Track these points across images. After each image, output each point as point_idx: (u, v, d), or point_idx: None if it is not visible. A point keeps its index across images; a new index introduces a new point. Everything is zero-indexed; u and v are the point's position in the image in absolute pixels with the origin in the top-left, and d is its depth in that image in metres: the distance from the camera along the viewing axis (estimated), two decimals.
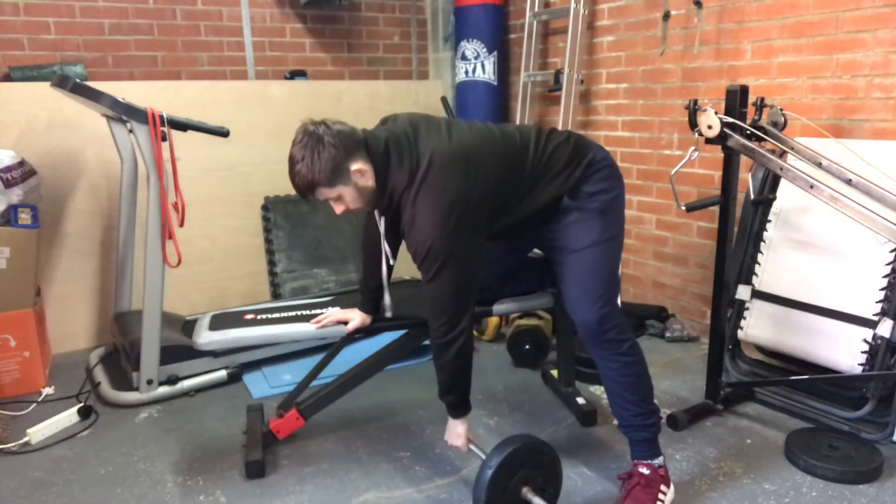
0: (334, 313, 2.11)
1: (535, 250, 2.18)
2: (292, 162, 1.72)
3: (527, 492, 1.72)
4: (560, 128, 2.88)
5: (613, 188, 1.87)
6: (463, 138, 1.77)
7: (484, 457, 1.76)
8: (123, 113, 2.38)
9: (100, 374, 2.71)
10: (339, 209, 1.79)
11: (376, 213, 1.92)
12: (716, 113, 2.08)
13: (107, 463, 2.17)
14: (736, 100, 2.13)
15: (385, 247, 1.98)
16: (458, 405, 1.88)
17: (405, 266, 2.12)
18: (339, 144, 1.68)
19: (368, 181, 1.74)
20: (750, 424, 2.33)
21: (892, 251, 2.16)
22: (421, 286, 1.79)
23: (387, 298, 2.08)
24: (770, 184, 2.52)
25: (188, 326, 2.81)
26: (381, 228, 1.93)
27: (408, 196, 1.71)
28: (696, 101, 2.12)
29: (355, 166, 1.70)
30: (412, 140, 1.74)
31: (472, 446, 1.93)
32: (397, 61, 4.27)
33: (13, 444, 2.25)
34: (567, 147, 1.87)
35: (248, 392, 2.66)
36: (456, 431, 1.91)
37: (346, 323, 2.08)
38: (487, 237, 1.84)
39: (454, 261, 1.70)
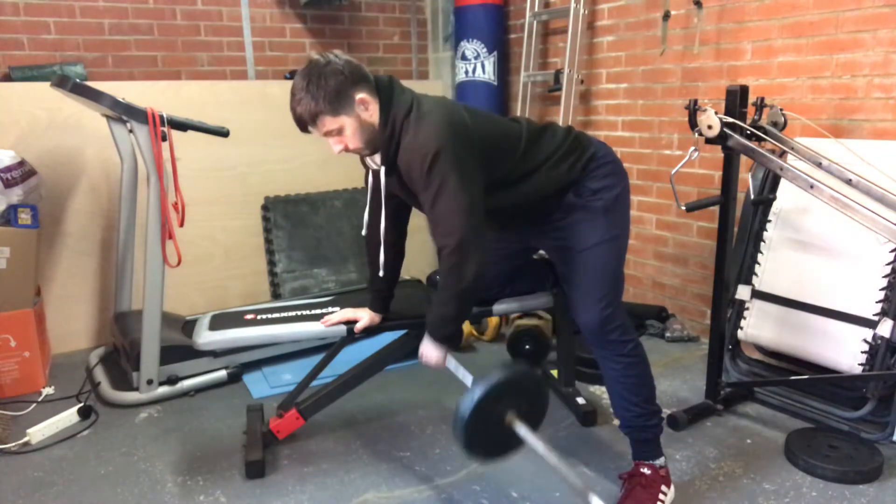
0: (343, 312, 2.10)
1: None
2: (294, 90, 1.66)
3: (511, 417, 1.63)
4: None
5: (617, 185, 1.86)
6: (459, 103, 1.81)
7: (468, 377, 1.71)
8: (123, 113, 2.38)
9: (100, 374, 2.71)
10: (337, 147, 1.72)
11: (380, 166, 1.81)
12: (716, 113, 2.08)
13: (107, 463, 2.17)
14: (736, 100, 2.13)
15: (382, 216, 1.89)
16: (454, 336, 1.80)
17: (405, 266, 2.11)
18: (347, 71, 1.65)
19: (372, 115, 1.70)
20: (750, 424, 2.33)
21: (892, 251, 2.16)
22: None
23: (382, 258, 2.00)
24: (770, 184, 2.52)
25: (188, 326, 2.81)
26: (382, 185, 1.83)
27: (409, 121, 1.69)
28: (696, 101, 2.12)
29: (360, 95, 1.67)
30: (413, 90, 1.78)
31: (451, 366, 1.84)
32: (397, 61, 4.28)
33: (13, 444, 2.25)
34: (568, 137, 1.87)
35: (248, 392, 2.66)
36: (435, 353, 1.81)
37: (354, 322, 2.07)
38: (498, 225, 1.82)
39: (460, 174, 1.63)
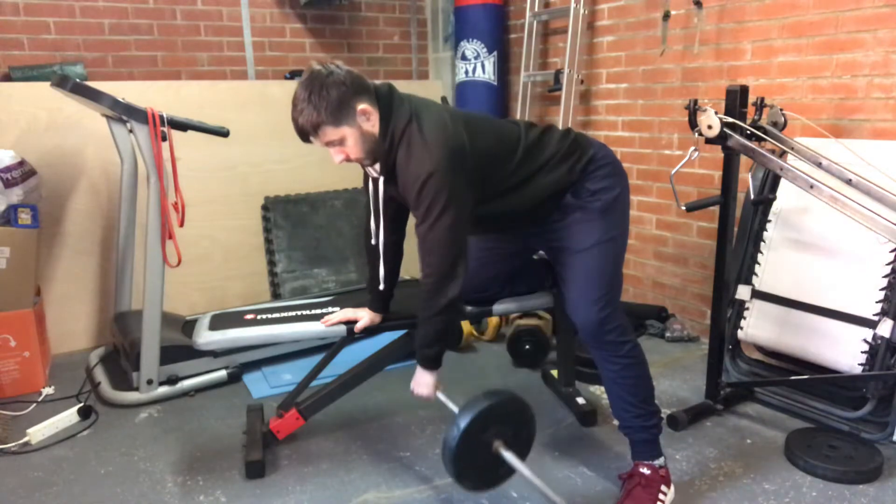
0: (343, 312, 2.10)
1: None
2: (296, 100, 1.67)
3: (498, 446, 1.67)
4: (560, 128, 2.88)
5: (616, 186, 1.86)
6: (457, 109, 1.82)
7: (455, 408, 1.74)
8: (123, 113, 2.38)
9: (100, 374, 2.71)
10: (338, 157, 1.73)
11: (378, 175, 1.83)
12: (716, 113, 2.08)
13: (107, 463, 2.17)
14: (736, 100, 2.13)
15: (381, 221, 1.92)
16: (436, 358, 1.86)
17: (405, 266, 2.11)
18: (348, 82, 1.66)
19: (373, 126, 1.71)
20: (750, 424, 2.33)
21: (892, 251, 2.16)
22: (419, 286, 1.79)
23: (381, 271, 2.02)
24: (770, 184, 2.52)
25: (188, 326, 2.81)
26: (381, 193, 1.86)
27: (407, 133, 1.70)
28: (696, 101, 2.12)
29: (361, 105, 1.68)
30: (412, 97, 1.79)
31: (441, 395, 1.90)
32: (397, 61, 4.27)
33: (13, 444, 2.25)
34: (566, 139, 1.87)
35: (248, 392, 2.66)
36: (425, 381, 1.88)
37: (354, 322, 2.07)
38: (497, 227, 1.83)
39: (452, 200, 1.67)
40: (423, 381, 1.89)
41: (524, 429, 1.75)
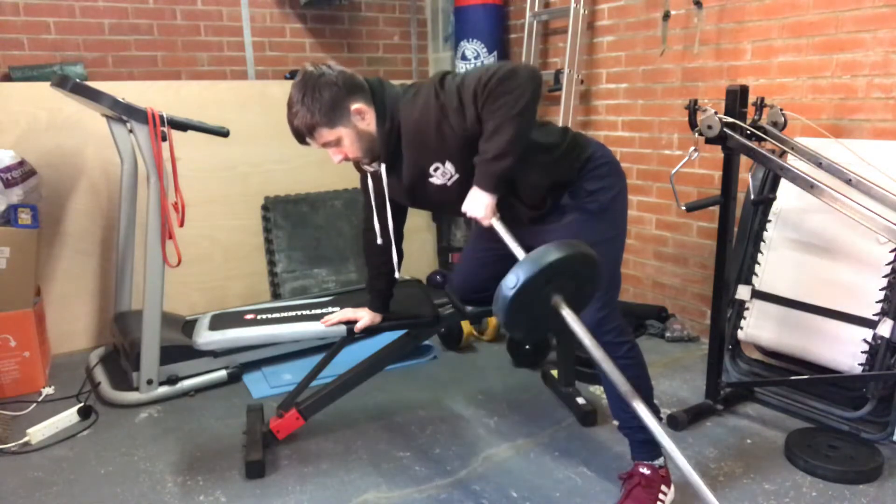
0: (343, 312, 2.10)
1: None
2: (290, 102, 1.66)
3: (558, 301, 1.53)
4: None
5: (614, 186, 1.85)
6: None
7: (519, 251, 1.62)
8: (123, 113, 2.38)
9: (100, 374, 2.71)
10: (337, 157, 1.73)
11: (382, 163, 1.80)
12: (716, 113, 2.08)
13: (107, 463, 2.17)
14: (736, 100, 2.13)
15: (388, 211, 1.90)
16: (503, 174, 1.65)
17: (405, 266, 2.11)
18: (341, 83, 1.66)
19: (369, 124, 1.71)
20: (750, 424, 2.33)
21: (892, 251, 2.16)
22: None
23: (395, 259, 1.97)
24: (770, 184, 2.52)
25: (188, 326, 2.81)
26: (385, 184, 1.82)
27: (404, 100, 1.69)
28: (696, 101, 2.12)
29: (356, 105, 1.67)
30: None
31: (499, 225, 1.70)
32: (397, 61, 4.28)
33: (13, 444, 2.25)
34: (565, 134, 1.86)
35: (248, 392, 2.66)
36: (483, 201, 1.67)
37: (355, 322, 2.07)
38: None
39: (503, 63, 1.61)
40: (480, 200, 1.67)
41: (587, 285, 1.61)
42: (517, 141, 1.61)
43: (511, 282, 1.44)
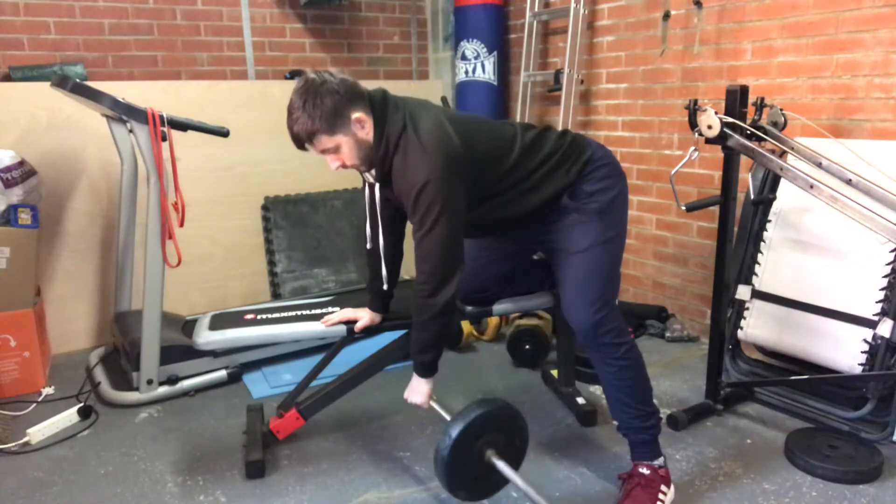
0: (343, 312, 2.10)
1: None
2: (291, 108, 1.68)
3: (491, 455, 1.68)
4: (560, 128, 2.90)
5: (613, 187, 1.86)
6: (452, 110, 1.82)
7: (447, 416, 1.74)
8: (123, 113, 2.38)
9: (100, 374, 2.71)
10: (334, 164, 1.75)
11: (375, 181, 1.85)
12: (716, 113, 2.08)
13: (107, 463, 2.17)
14: (736, 100, 2.13)
15: (378, 226, 1.94)
16: (431, 365, 1.86)
17: (405, 266, 2.11)
18: (343, 91, 1.66)
19: (368, 133, 1.72)
20: (750, 424, 2.33)
21: (892, 251, 2.16)
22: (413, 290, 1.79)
23: (384, 272, 2.03)
24: (770, 184, 2.52)
25: (188, 326, 2.81)
26: (377, 200, 1.88)
27: (403, 140, 1.70)
28: (696, 101, 2.12)
29: (356, 114, 1.68)
30: (407, 100, 1.79)
31: (434, 405, 1.90)
32: (397, 61, 4.28)
33: (13, 444, 2.25)
34: (563, 139, 1.87)
35: (248, 392, 2.66)
36: (420, 389, 1.89)
37: (355, 322, 2.08)
38: (496, 230, 1.82)
39: (448, 209, 1.67)
40: (417, 389, 1.90)
41: (517, 437, 1.76)
42: (438, 341, 1.83)
43: (444, 442, 1.61)
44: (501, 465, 1.67)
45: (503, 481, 1.72)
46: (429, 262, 1.73)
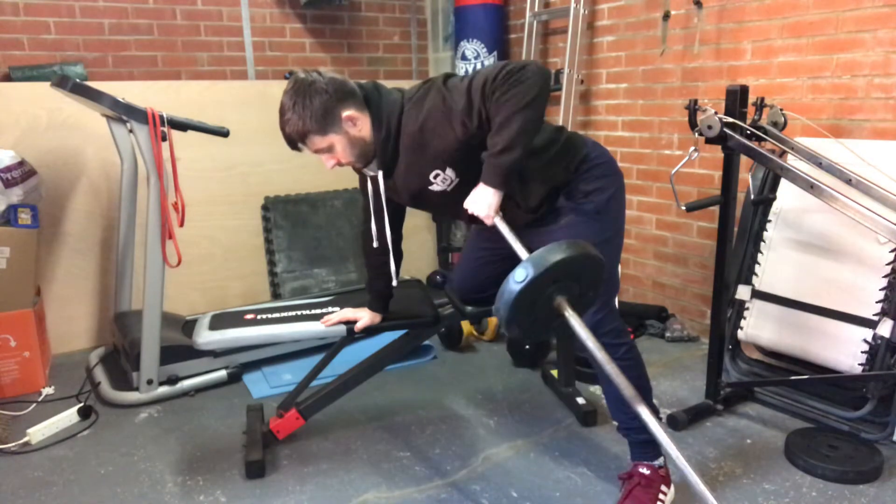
0: (343, 312, 2.10)
1: None
2: (282, 109, 1.68)
3: (562, 302, 1.47)
4: None
5: (610, 186, 1.84)
6: None
7: (523, 251, 1.57)
8: (123, 113, 2.38)
9: (100, 374, 2.71)
10: (329, 163, 1.74)
11: (377, 172, 1.81)
12: (716, 113, 2.08)
13: (107, 463, 2.17)
14: (736, 100, 2.13)
15: (385, 219, 1.89)
16: (510, 169, 1.61)
17: (405, 266, 2.11)
18: (331, 90, 1.66)
19: (361, 130, 1.71)
20: (750, 424, 2.33)
21: (892, 251, 2.16)
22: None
23: (392, 267, 2.00)
24: (770, 184, 2.52)
25: (188, 326, 2.81)
26: (382, 191, 1.82)
27: (406, 110, 1.69)
28: (696, 101, 2.12)
29: (347, 112, 1.68)
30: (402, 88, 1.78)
31: (500, 223, 1.65)
32: (397, 61, 4.28)
33: (13, 444, 2.25)
34: (560, 133, 1.86)
35: (248, 392, 2.66)
36: (487, 199, 1.63)
37: (355, 322, 2.08)
38: (493, 230, 1.83)
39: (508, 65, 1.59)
40: (483, 198, 1.63)
41: (591, 290, 1.57)
42: (525, 133, 1.59)
43: (520, 276, 1.38)
44: (571, 316, 1.47)
45: (560, 328, 1.53)
46: (510, 63, 1.60)
